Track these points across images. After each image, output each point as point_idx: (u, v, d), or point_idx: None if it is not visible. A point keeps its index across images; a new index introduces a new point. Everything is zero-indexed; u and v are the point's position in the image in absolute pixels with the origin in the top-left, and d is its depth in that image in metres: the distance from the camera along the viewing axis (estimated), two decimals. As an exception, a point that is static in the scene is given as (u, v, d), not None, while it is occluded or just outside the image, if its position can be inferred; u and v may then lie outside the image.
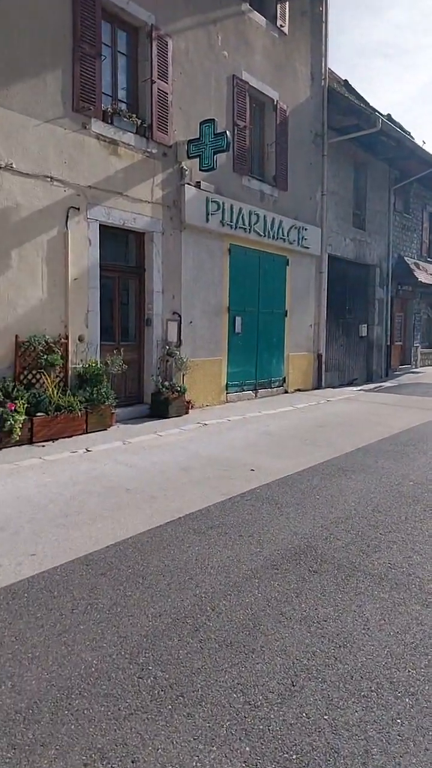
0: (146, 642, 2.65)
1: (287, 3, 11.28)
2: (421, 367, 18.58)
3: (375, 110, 12.83)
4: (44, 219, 7.02)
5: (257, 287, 10.75)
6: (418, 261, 17.55)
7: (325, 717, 2.20)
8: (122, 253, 8.55)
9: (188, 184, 8.98)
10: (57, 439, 6.65)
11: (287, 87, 11.39)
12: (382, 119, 12.28)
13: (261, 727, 2.14)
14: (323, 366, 12.88)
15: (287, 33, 11.33)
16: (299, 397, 11.25)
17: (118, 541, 3.78)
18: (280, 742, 2.07)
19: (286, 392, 11.73)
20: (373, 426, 8.26)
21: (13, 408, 6.12)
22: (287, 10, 11.30)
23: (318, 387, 12.68)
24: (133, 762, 1.97)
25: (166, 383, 8.30)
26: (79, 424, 6.89)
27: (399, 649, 2.62)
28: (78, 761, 1.96)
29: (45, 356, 6.83)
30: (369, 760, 1.99)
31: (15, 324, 6.76)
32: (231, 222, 9.77)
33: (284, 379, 11.74)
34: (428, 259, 18.53)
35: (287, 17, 11.33)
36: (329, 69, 13.39)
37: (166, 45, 8.65)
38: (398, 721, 2.18)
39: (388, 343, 15.98)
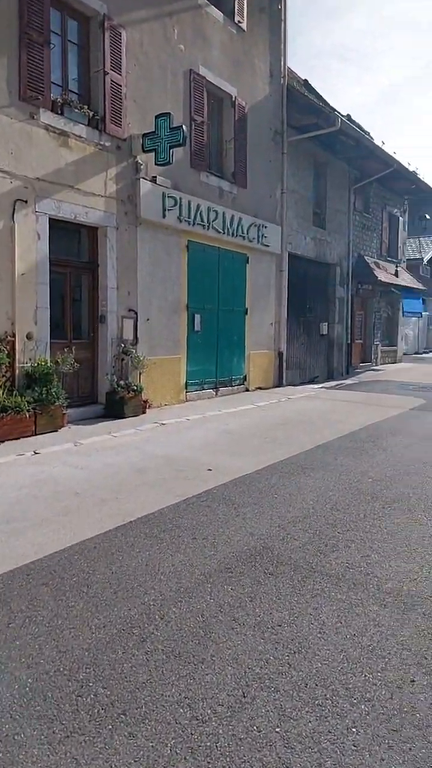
0: (88, 656, 2.46)
1: (244, -1, 11.20)
2: (381, 364, 18.80)
3: (334, 110, 12.87)
4: (-9, 211, 6.71)
5: (217, 285, 10.62)
6: (377, 260, 17.75)
7: (277, 729, 2.06)
8: (74, 248, 8.27)
9: (144, 178, 8.77)
10: (3, 442, 6.35)
11: (246, 83, 11.30)
12: (341, 118, 12.33)
13: (208, 744, 1.99)
14: (284, 364, 12.84)
15: (245, 29, 11.24)
16: (260, 395, 11.16)
17: (63, 548, 3.57)
18: (228, 759, 1.92)
19: (247, 390, 11.63)
20: (333, 423, 8.23)
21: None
22: (245, 6, 11.21)
23: (279, 385, 12.64)
24: (64, 793, 1.78)
25: (122, 382, 8.07)
26: (27, 425, 6.60)
27: (355, 653, 2.51)
28: (2, 796, 1.77)
29: (-10, 355, 6.52)
30: (322, 776, 1.86)
31: (-39, 321, 6.43)
32: (189, 218, 9.61)
33: (245, 377, 11.65)
34: (388, 259, 18.77)
35: (245, 13, 11.24)
36: (288, 68, 13.38)
37: (120, 36, 8.42)
38: (353, 730, 2.06)
39: (349, 342, 16.10)
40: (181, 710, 2.14)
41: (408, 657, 2.48)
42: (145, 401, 8.51)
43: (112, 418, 7.90)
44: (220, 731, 2.04)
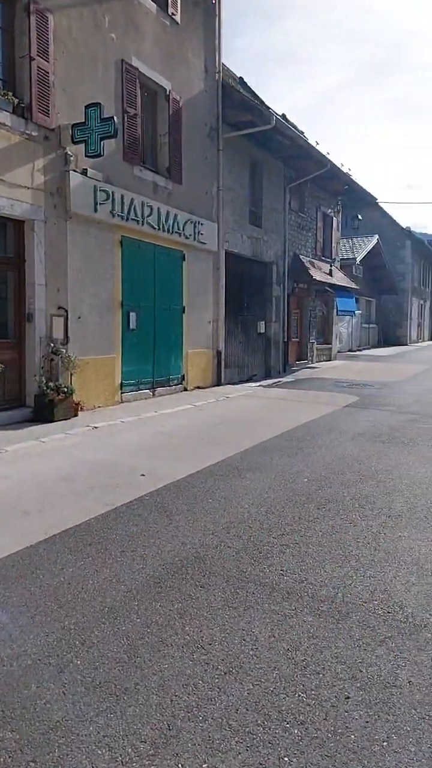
0: (-4, 694, 2.21)
1: (178, -9, 10.99)
2: (317, 362, 19.10)
3: (269, 108, 12.88)
4: None
5: (153, 282, 10.38)
6: (312, 259, 18.00)
7: (204, 766, 1.89)
8: (-1, 243, 7.83)
9: (74, 170, 8.41)
10: None
11: (180, 78, 11.09)
12: (276, 116, 12.35)
13: (129, 788, 1.80)
14: (223, 363, 12.76)
15: (179, 22, 11.02)
16: (198, 394, 11.02)
17: (-23, 568, 3.27)
18: (150, 805, 1.74)
19: (186, 390, 11.46)
20: (270, 422, 8.19)
21: None
22: (178, -1, 11.00)
23: (218, 384, 12.54)
24: None
25: (51, 384, 7.70)
26: None
27: (288, 671, 2.38)
28: None
29: None
30: None
31: None
32: (122, 213, 9.31)
33: (183, 376, 11.47)
34: (322, 258, 19.08)
35: (179, 6, 11.01)
36: (224, 65, 13.27)
37: (47, 21, 8.02)
38: (285, 759, 1.93)
39: (286, 340, 16.23)
40: (99, 751, 1.94)
41: (342, 671, 2.38)
42: (77, 404, 8.16)
43: (41, 422, 7.51)
44: (143, 771, 1.86)
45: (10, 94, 7.56)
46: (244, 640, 2.60)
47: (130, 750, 1.95)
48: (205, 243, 11.76)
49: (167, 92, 10.72)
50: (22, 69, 7.81)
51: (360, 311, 27.86)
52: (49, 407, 7.57)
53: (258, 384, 13.30)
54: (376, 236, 28.19)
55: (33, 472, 5.28)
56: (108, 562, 3.39)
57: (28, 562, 3.37)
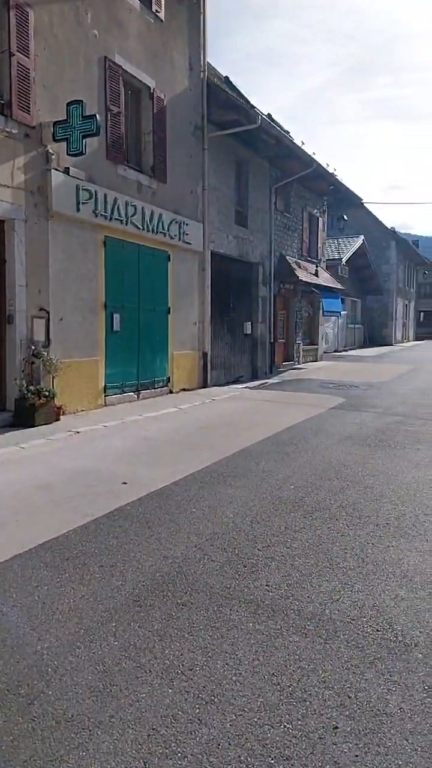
0: (-40, 730, 2.06)
1: (162, -13, 10.82)
2: (303, 363, 19.05)
3: (254, 107, 12.77)
4: None
5: (137, 283, 10.21)
6: (299, 260, 17.93)
7: (183, 809, 1.76)
8: (-21, 243, 7.62)
9: (55, 169, 8.22)
10: None
11: (164, 76, 10.94)
12: (261, 116, 12.26)
13: None
14: (209, 364, 12.63)
15: (164, 20, 10.86)
16: (184, 397, 10.87)
17: None
18: None
19: (171, 392, 11.31)
20: (256, 425, 8.07)
21: None
22: (162, -5, 10.84)
23: (204, 386, 12.40)
24: None
25: (32, 387, 7.50)
26: None
27: (274, 698, 2.26)
28: None
29: None
30: None
31: None
32: (105, 212, 9.14)
33: (169, 378, 11.31)
34: (308, 259, 19.02)
35: (163, 3, 10.85)
36: (209, 63, 13.14)
37: (27, 16, 7.82)
38: (270, 799, 1.80)
39: (272, 341, 16.14)
40: (69, 795, 1.80)
41: (330, 698, 2.26)
42: (59, 407, 7.98)
43: (21, 427, 7.31)
44: None
45: (-11, 90, 7.35)
46: (227, 664, 2.47)
47: (102, 793, 1.81)
48: (190, 243, 11.62)
49: (151, 90, 10.56)
50: (2, 65, 7.61)
51: (346, 312, 27.87)
52: (29, 412, 7.38)
53: (244, 385, 13.19)
54: (362, 237, 28.26)
55: (9, 480, 5.11)
56: (86, 579, 3.24)
57: (1, 580, 3.21)
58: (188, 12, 11.73)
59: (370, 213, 32.17)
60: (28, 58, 7.85)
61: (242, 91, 14.36)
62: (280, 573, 3.34)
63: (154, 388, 10.80)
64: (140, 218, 10.01)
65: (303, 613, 2.90)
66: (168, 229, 10.83)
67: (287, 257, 16.94)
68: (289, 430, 7.76)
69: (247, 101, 13.56)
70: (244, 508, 4.48)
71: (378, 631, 2.75)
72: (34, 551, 3.59)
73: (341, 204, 22.18)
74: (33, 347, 7.83)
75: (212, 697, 2.25)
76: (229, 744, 2.02)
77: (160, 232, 10.61)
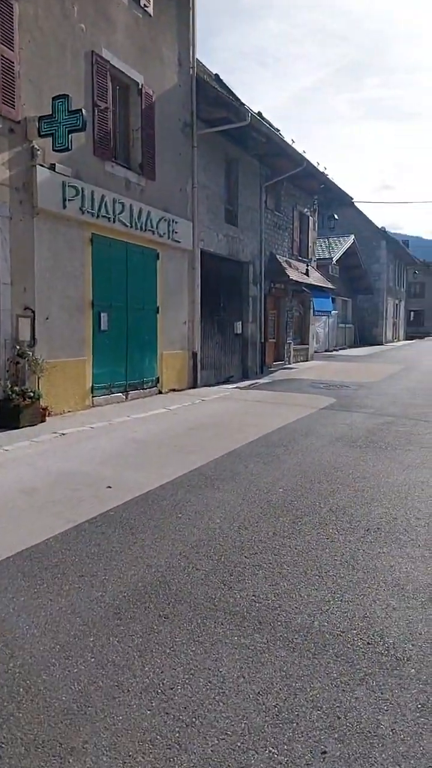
0: None
1: (150, -18, 10.67)
2: (294, 363, 18.96)
3: (243, 104, 12.64)
4: None
5: (125, 281, 10.05)
6: (289, 259, 17.84)
7: None
8: (-38, 240, 7.43)
9: (41, 165, 8.05)
10: None
11: (153, 71, 10.78)
12: (251, 113, 12.13)
13: None
14: (199, 364, 12.49)
15: (152, 14, 10.71)
16: (173, 397, 10.74)
17: None
18: None
19: (160, 393, 11.16)
20: (245, 426, 7.95)
21: None
22: (151, -10, 10.68)
23: (194, 386, 12.26)
24: None
25: (17, 388, 7.33)
26: None
27: (259, 720, 2.13)
28: None
29: None
30: None
31: None
32: (92, 210, 8.97)
33: (158, 379, 11.16)
34: (299, 258, 18.93)
35: (151, -3, 10.70)
36: (199, 61, 13.01)
37: (11, 8, 7.64)
38: None
39: (263, 340, 16.03)
40: None
41: (318, 719, 2.14)
42: (45, 409, 7.82)
43: (5, 428, 7.14)
44: None
45: (-28, 83, 7.18)
46: (209, 682, 2.34)
47: None
48: (179, 241, 11.48)
49: (140, 86, 10.40)
50: (-15, 57, 7.43)
51: (336, 311, 27.84)
52: (14, 413, 7.21)
53: (235, 385, 13.07)
54: (352, 236, 28.23)
55: (-9, 484, 4.95)
56: (64, 590, 3.10)
57: (-24, 591, 3.06)
58: (177, 7, 11.58)
59: (360, 212, 32.17)
60: (13, 51, 7.68)
61: (234, 91, 14.23)
62: (268, 582, 3.22)
63: (143, 389, 10.65)
64: (128, 216, 9.86)
65: (291, 626, 2.78)
66: (157, 227, 10.69)
67: (278, 256, 16.84)
68: (279, 431, 7.65)
69: (237, 98, 13.43)
70: (231, 513, 4.35)
71: (369, 644, 2.63)
72: (11, 560, 3.45)
73: (332, 203, 22.13)
74: (18, 347, 7.66)
75: (193, 719, 2.13)
76: (211, 772, 1.89)
77: (149, 230, 10.46)
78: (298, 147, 15.13)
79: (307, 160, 15.51)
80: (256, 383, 13.60)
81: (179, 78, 11.66)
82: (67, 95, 7.88)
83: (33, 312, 7.97)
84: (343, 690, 2.31)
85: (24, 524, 4.04)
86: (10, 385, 7.34)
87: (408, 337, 46.42)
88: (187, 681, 2.35)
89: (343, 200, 21.68)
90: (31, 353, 7.79)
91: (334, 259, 25.74)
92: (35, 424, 7.44)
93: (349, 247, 27.67)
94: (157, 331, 11.09)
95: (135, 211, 10.05)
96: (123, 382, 10.07)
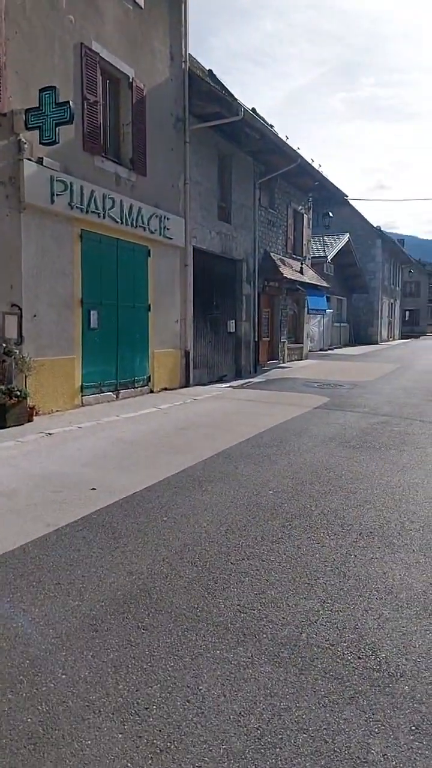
0: None
1: (141, -26, 10.48)
2: (288, 361, 18.81)
3: (236, 99, 12.47)
4: None
5: (116, 279, 9.87)
6: (283, 257, 17.69)
7: None
8: None
9: (28, 159, 7.86)
10: None
11: (144, 65, 10.60)
12: (244, 108, 11.96)
13: None
14: (191, 363, 12.32)
15: (143, 7, 10.52)
16: (165, 396, 10.56)
17: None
18: None
19: (152, 392, 10.99)
20: (237, 426, 7.79)
21: None
22: (142, -18, 10.50)
23: (186, 385, 12.10)
24: None
25: (3, 387, 7.14)
26: None
27: (239, 744, 1.97)
28: None
29: None
30: None
31: None
32: (81, 205, 8.79)
33: (149, 378, 10.99)
34: (293, 256, 18.79)
35: (142, -10, 10.52)
36: (192, 56, 12.84)
37: (-3, -4, 7.46)
38: None
39: (256, 339, 15.87)
40: None
41: (304, 743, 1.98)
42: (32, 408, 7.63)
43: (-10, 428, 6.96)
44: None
45: None
46: (188, 701, 2.18)
47: None
48: (171, 238, 11.30)
49: (130, 79, 10.22)
50: (-30, 48, 7.25)
51: (331, 310, 27.73)
52: (0, 412, 7.02)
53: (228, 385, 12.91)
54: (347, 235, 28.12)
55: (-30, 487, 4.77)
56: (39, 599, 2.93)
57: None
58: (169, 0, 11.39)
59: (355, 211, 32.08)
60: (-1, 41, 7.49)
61: (231, 89, 14.05)
62: (254, 590, 3.06)
63: (134, 388, 10.47)
64: (119, 211, 9.68)
65: (277, 638, 2.62)
66: (148, 224, 10.51)
67: (272, 254, 16.69)
68: (271, 431, 7.49)
69: (230, 94, 13.26)
70: (219, 516, 4.19)
71: (359, 658, 2.48)
72: (-16, 567, 3.28)
73: (327, 201, 21.99)
74: (4, 345, 7.48)
75: (168, 744, 1.96)
76: (185, 805, 1.73)
77: (140, 226, 10.28)
78: (293, 144, 14.99)
79: (302, 157, 15.37)
80: (250, 382, 13.44)
81: (171, 72, 11.48)
82: (55, 87, 7.71)
83: (20, 309, 7.78)
84: (332, 710, 2.15)
85: (1, 529, 3.87)
86: (-5, 384, 7.16)
87: (403, 337, 46.37)
88: (163, 700, 2.18)
89: (338, 198, 21.56)
90: (17, 351, 7.61)
91: (329, 258, 25.61)
92: (22, 424, 7.26)
93: (344, 246, 27.55)
94: (148, 329, 10.91)
95: (125, 206, 9.87)
96: (113, 381, 9.89)
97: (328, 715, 2.12)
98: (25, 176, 7.82)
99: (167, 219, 11.12)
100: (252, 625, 2.73)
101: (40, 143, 7.82)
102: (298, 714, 2.12)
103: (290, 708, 2.15)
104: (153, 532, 3.85)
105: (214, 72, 14.54)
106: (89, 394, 9.22)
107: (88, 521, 4.03)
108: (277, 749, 1.95)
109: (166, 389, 11.39)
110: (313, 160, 16.68)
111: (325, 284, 21.14)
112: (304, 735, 2.02)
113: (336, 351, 26.91)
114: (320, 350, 25.95)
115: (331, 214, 23.67)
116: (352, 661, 2.46)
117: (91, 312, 9.23)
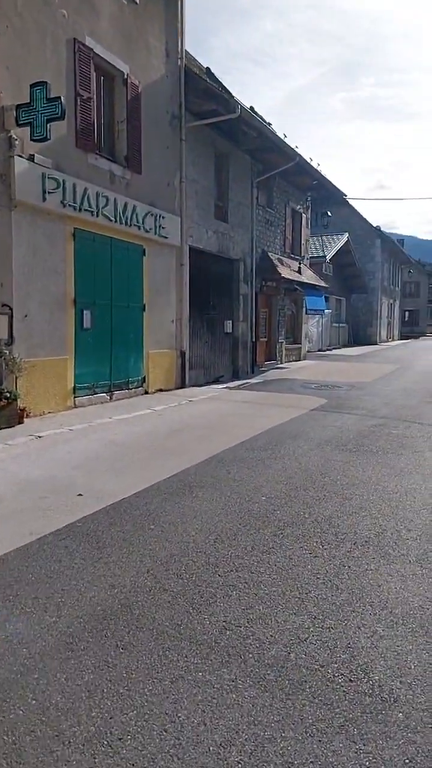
0: None
1: (136, -31, 10.33)
2: (286, 362, 18.66)
3: (233, 96, 12.32)
4: None
5: (110, 278, 9.72)
6: (281, 257, 17.53)
7: None
8: None
9: (19, 155, 7.71)
10: None
11: (139, 61, 10.45)
12: (241, 105, 11.82)
13: None
14: (187, 364, 12.17)
15: (138, 2, 10.36)
16: (160, 398, 10.41)
17: None
18: None
19: (147, 393, 10.84)
20: (232, 428, 7.64)
21: None
22: (137, -23, 10.34)
23: (182, 386, 11.94)
24: None
25: (-9, 389, 7.01)
26: None
27: (218, 780, 1.82)
28: None
29: None
30: None
31: None
32: (74, 203, 8.64)
33: (144, 378, 10.83)
34: (291, 256, 18.63)
35: (137, -15, 10.36)
36: (189, 53, 12.70)
37: (-12, -10, 7.31)
38: None
39: (254, 340, 15.72)
40: None
41: (288, 779, 1.83)
42: (23, 410, 7.48)
43: (-22, 430, 6.81)
44: None
45: None
46: (164, 731, 2.03)
47: None
48: (167, 237, 11.15)
49: (125, 76, 10.07)
50: (-41, 42, 7.10)
51: (330, 310, 27.57)
52: (-12, 414, 6.88)
53: (224, 386, 12.76)
54: (346, 234, 27.97)
55: None
56: (14, 614, 2.78)
57: None
58: (165, -4, 11.24)
59: (355, 211, 31.93)
60: (-11, 36, 7.34)
61: (230, 89, 13.89)
62: (241, 605, 2.91)
63: (128, 389, 10.32)
64: (113, 210, 9.53)
65: (263, 659, 2.47)
66: (143, 222, 10.36)
67: (269, 254, 16.54)
68: (266, 433, 7.34)
69: (228, 91, 13.11)
70: (208, 524, 4.04)
71: (351, 681, 2.32)
72: (-41, 580, 3.12)
73: (325, 201, 21.85)
74: (-7, 345, 7.33)
75: (142, 781, 1.81)
76: None
77: (135, 225, 10.13)
78: (291, 143, 14.83)
79: (300, 155, 15.21)
80: (247, 383, 13.29)
81: (167, 69, 11.33)
82: (46, 82, 7.56)
83: (11, 309, 7.63)
84: (319, 740, 2.00)
85: (-19, 537, 3.72)
86: (-17, 386, 7.00)
87: (403, 337, 46.24)
88: (139, 729, 2.03)
89: (337, 197, 21.40)
90: (8, 352, 7.46)
91: (328, 257, 25.47)
92: (12, 426, 7.11)
93: (343, 246, 27.40)
94: (143, 329, 10.76)
95: (120, 205, 9.71)
96: (107, 382, 9.73)
97: (315, 746, 1.97)
98: (16, 173, 7.67)
99: (163, 218, 10.97)
100: (238, 643, 2.57)
101: (31, 140, 7.67)
102: (283, 745, 1.97)
103: (275, 738, 2.00)
104: (139, 541, 3.69)
105: (211, 70, 14.41)
106: (82, 395, 9.07)
107: (73, 529, 3.88)
108: (259, 787, 1.80)
109: (161, 390, 11.24)
110: (311, 159, 16.55)
111: (323, 284, 21.00)
112: (289, 770, 1.86)
113: (335, 351, 26.76)
114: (319, 351, 25.79)
115: (329, 214, 23.52)
116: (343, 684, 2.31)
117: (84, 312, 9.07)
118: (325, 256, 25.21)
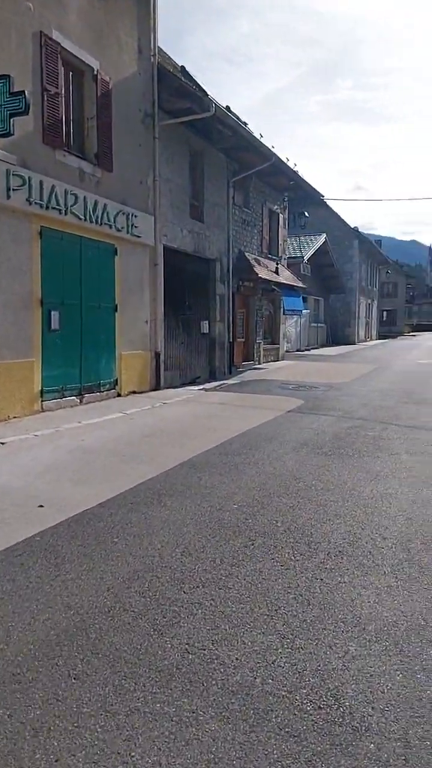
0: None
1: (106, -38, 10.09)
2: (264, 363, 18.55)
3: (207, 94, 12.15)
4: None
5: (79, 278, 9.46)
6: (258, 257, 17.42)
7: None
8: None
9: (-18, 151, 7.44)
10: None
11: (110, 57, 10.21)
12: (215, 104, 11.64)
13: None
14: (162, 365, 11.95)
15: (108, -3, 10.14)
16: (133, 400, 10.19)
17: None
18: None
19: (119, 395, 10.59)
20: (206, 432, 7.46)
21: None
22: (106, -29, 10.11)
23: (156, 388, 11.72)
24: None
25: None
26: None
27: None
28: None
29: None
30: None
31: None
32: (41, 201, 8.37)
33: (116, 381, 10.59)
34: (269, 256, 18.53)
35: (108, -21, 10.13)
36: (163, 50, 12.51)
37: None
38: None
39: (231, 340, 15.56)
40: None
41: None
42: (-13, 414, 7.21)
43: None
44: None
45: None
46: (115, 775, 1.84)
47: None
48: (139, 236, 10.92)
49: (95, 71, 9.82)
50: None
51: (308, 310, 27.58)
52: None
53: (201, 387, 12.57)
54: (324, 235, 28.01)
55: None
56: (-41, 642, 2.56)
57: None
58: (136, -9, 11.02)
59: (333, 212, 32.04)
60: None
61: (205, 88, 13.71)
62: (207, 625, 2.73)
63: (99, 392, 10.07)
64: (82, 208, 9.27)
65: (227, 685, 2.29)
66: (114, 221, 10.12)
67: (246, 254, 16.41)
68: (241, 436, 7.18)
69: (202, 89, 12.93)
70: (176, 535, 3.85)
71: (320, 708, 2.16)
72: None
73: (303, 201, 21.83)
74: None
75: None
76: None
77: (105, 224, 9.89)
78: (268, 144, 14.71)
79: (276, 155, 15.11)
80: (224, 384, 13.12)
81: (140, 66, 11.10)
82: (9, 76, 7.31)
83: (-26, 310, 7.34)
84: (284, 780, 1.82)
85: None
86: None
87: (381, 337, 46.61)
88: (86, 774, 1.84)
89: (315, 198, 21.41)
90: (-29, 355, 7.17)
91: (306, 258, 25.46)
92: (-25, 433, 6.83)
93: (321, 246, 27.44)
94: (115, 330, 10.51)
95: (90, 203, 9.46)
96: (77, 384, 9.47)
97: (279, 788, 1.79)
98: (-21, 170, 7.39)
99: (135, 216, 10.74)
100: (200, 669, 2.39)
101: (-5, 135, 7.40)
102: (244, 788, 1.79)
103: (236, 780, 1.82)
104: (100, 557, 3.49)
105: (186, 68, 14.22)
106: (50, 399, 8.80)
107: (30, 544, 3.65)
108: None
109: (134, 392, 11.01)
110: (288, 159, 16.46)
111: (301, 285, 20.95)
112: None
113: (313, 351, 26.78)
114: (297, 351, 25.77)
115: (307, 214, 23.51)
116: (311, 712, 2.14)
117: (52, 312, 8.80)
118: (303, 257, 25.20)
